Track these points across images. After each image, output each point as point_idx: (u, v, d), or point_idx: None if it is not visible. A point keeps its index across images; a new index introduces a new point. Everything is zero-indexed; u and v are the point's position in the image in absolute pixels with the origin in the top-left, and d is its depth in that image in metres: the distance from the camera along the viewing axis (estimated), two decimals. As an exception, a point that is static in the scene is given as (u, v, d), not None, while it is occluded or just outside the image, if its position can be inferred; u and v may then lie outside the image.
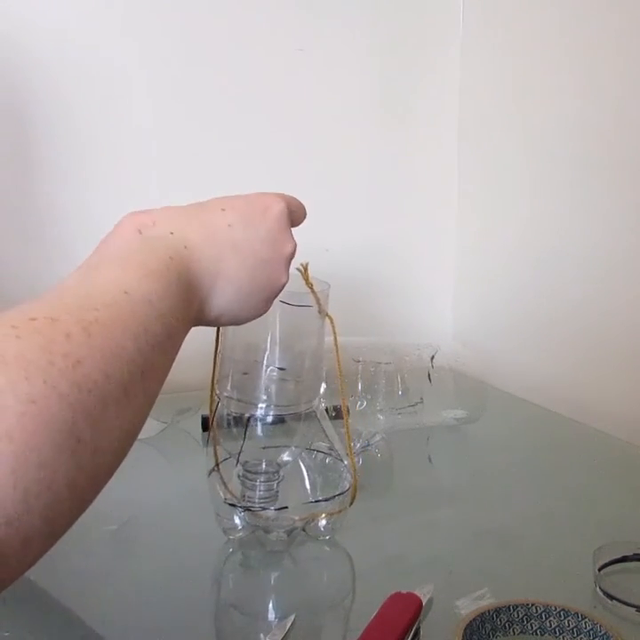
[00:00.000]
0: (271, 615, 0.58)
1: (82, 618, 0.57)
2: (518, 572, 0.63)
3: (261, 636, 0.52)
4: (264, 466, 0.63)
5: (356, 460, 0.78)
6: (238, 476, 0.64)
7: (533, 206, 1.14)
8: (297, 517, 0.64)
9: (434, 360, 0.95)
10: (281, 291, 0.52)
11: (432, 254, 1.32)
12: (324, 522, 0.66)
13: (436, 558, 0.65)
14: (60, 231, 1.07)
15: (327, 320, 0.63)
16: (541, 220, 1.13)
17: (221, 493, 0.64)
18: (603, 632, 0.50)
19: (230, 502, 0.64)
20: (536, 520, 0.72)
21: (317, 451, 0.69)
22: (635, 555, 0.62)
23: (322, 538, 0.66)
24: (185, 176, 1.12)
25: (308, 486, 0.67)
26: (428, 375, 0.95)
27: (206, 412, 0.90)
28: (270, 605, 0.60)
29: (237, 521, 0.65)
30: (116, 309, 0.38)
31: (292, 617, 0.54)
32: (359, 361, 0.94)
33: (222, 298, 0.48)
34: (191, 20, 1.10)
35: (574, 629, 0.52)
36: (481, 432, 0.97)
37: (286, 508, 0.63)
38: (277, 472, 0.63)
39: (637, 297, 0.96)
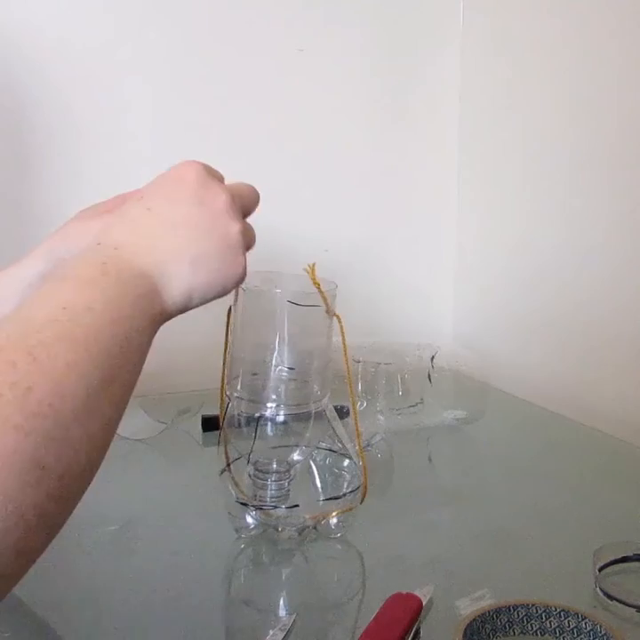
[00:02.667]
0: (271, 615, 0.58)
1: (82, 618, 0.57)
2: (518, 573, 0.63)
3: (261, 636, 0.52)
4: (275, 465, 0.64)
5: (351, 461, 0.78)
6: (249, 476, 0.64)
7: (533, 207, 1.14)
8: (308, 516, 0.64)
9: (434, 360, 0.95)
10: (240, 241, 0.50)
11: (432, 254, 1.32)
12: (334, 520, 0.66)
13: (436, 558, 0.65)
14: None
15: (334, 320, 0.63)
16: (541, 221, 1.13)
17: (233, 492, 0.65)
18: (603, 632, 0.50)
19: (242, 501, 0.64)
20: (536, 520, 0.72)
21: (327, 449, 0.69)
22: (635, 555, 0.62)
23: (333, 536, 0.67)
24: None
25: (318, 485, 0.67)
26: (429, 375, 0.95)
27: (206, 412, 0.90)
28: (270, 606, 0.60)
29: (249, 520, 0.65)
30: (57, 326, 0.37)
31: (293, 617, 0.54)
32: (359, 361, 0.94)
33: (180, 278, 0.46)
34: (191, 20, 1.10)
35: (574, 630, 0.52)
36: (481, 432, 0.97)
37: (297, 506, 0.63)
38: (288, 471, 0.64)
39: (637, 297, 0.96)
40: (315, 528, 0.66)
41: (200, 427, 0.91)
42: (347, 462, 0.69)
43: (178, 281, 0.46)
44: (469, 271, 1.31)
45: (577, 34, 1.03)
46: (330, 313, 0.61)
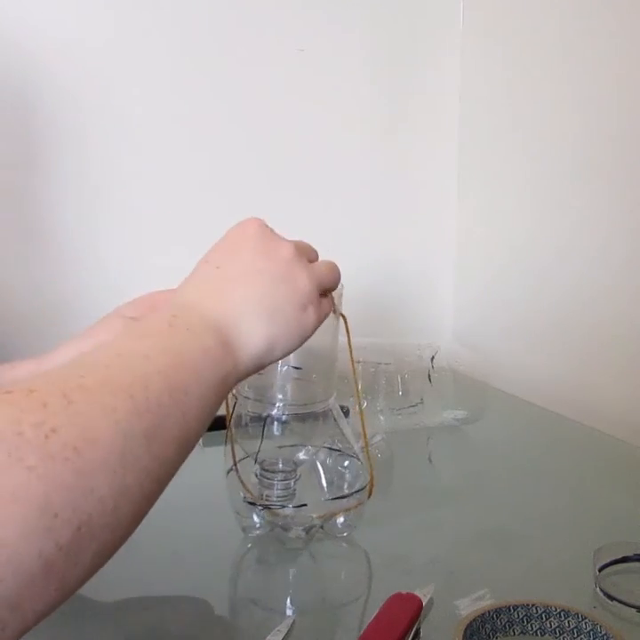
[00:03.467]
0: (271, 615, 0.58)
1: (82, 618, 0.57)
2: (518, 573, 0.63)
3: (261, 636, 0.52)
4: (281, 465, 0.64)
5: (356, 460, 0.78)
6: (256, 475, 0.64)
7: (533, 207, 1.14)
8: (315, 515, 0.65)
9: (434, 360, 0.95)
10: (311, 289, 0.49)
11: (432, 255, 1.32)
12: (342, 519, 0.66)
13: (436, 558, 0.65)
14: (62, 238, 1.07)
15: (341, 320, 0.63)
16: (541, 221, 1.13)
17: (241, 492, 0.65)
18: (603, 633, 0.50)
19: (249, 501, 0.64)
20: (536, 520, 0.72)
21: (332, 448, 0.70)
22: (635, 555, 0.62)
23: (340, 535, 0.67)
24: (185, 181, 1.12)
25: (324, 484, 0.68)
26: (429, 375, 0.95)
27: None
28: (270, 606, 0.60)
29: (256, 519, 0.66)
30: (104, 372, 0.35)
31: (293, 618, 0.54)
32: (359, 361, 0.94)
33: (255, 331, 0.45)
34: (191, 20, 1.10)
35: (574, 630, 0.52)
36: (481, 432, 0.97)
37: (305, 505, 0.64)
38: (294, 471, 0.64)
39: (638, 297, 0.96)
40: (321, 527, 0.66)
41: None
42: (347, 462, 0.69)
43: (254, 337, 0.45)
44: (469, 271, 1.31)
45: (577, 34, 1.03)
46: (336, 313, 0.61)
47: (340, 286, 0.62)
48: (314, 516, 0.65)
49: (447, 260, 1.33)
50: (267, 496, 0.64)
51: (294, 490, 0.64)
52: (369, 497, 0.67)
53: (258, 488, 0.64)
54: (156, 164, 1.11)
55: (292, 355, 0.61)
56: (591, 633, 0.51)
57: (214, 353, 0.42)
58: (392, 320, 1.26)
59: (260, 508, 0.64)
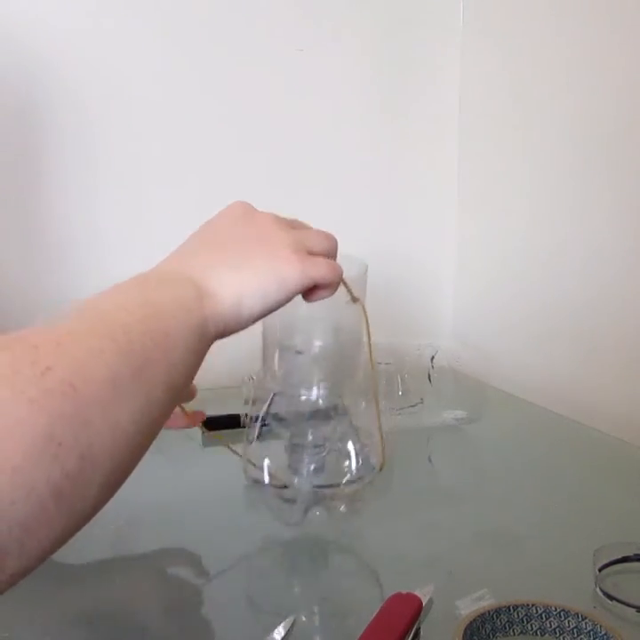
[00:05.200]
0: (271, 615, 0.58)
1: (83, 618, 0.57)
2: (518, 573, 0.63)
3: (261, 636, 0.52)
4: (311, 437, 0.64)
5: (356, 460, 0.78)
6: (286, 448, 0.65)
7: (533, 207, 1.14)
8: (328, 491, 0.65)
9: (434, 360, 0.95)
10: (290, 243, 0.49)
11: (432, 255, 1.32)
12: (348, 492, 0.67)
13: (436, 558, 0.65)
14: (61, 238, 1.08)
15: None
16: (541, 221, 1.13)
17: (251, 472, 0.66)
18: (603, 633, 0.50)
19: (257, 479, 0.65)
20: (536, 520, 0.72)
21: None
22: (635, 555, 0.62)
23: (349, 511, 0.67)
24: (188, 179, 1.12)
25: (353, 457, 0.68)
26: (428, 375, 0.95)
27: (208, 412, 0.90)
28: (270, 606, 0.60)
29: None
30: (87, 321, 0.38)
31: (292, 617, 0.54)
32: (359, 361, 0.94)
33: (226, 281, 0.46)
34: (191, 20, 1.10)
35: (574, 630, 0.52)
36: (481, 432, 0.97)
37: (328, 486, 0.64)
38: (324, 445, 0.65)
39: (638, 297, 0.96)
40: (331, 502, 0.66)
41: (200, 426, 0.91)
42: (363, 446, 0.69)
43: (225, 282, 0.46)
44: (469, 271, 1.31)
45: (577, 34, 1.03)
46: (353, 299, 0.59)
47: (362, 267, 0.60)
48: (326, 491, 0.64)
49: (447, 259, 1.33)
50: (295, 468, 0.64)
51: (323, 464, 0.65)
52: (380, 470, 0.67)
53: (288, 459, 0.65)
54: (157, 162, 1.11)
55: (312, 340, 0.60)
56: (591, 633, 0.51)
57: (190, 302, 0.44)
58: (392, 320, 1.26)
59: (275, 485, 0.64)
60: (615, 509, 0.74)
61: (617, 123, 0.97)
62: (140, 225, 1.11)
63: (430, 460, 0.89)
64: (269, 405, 0.64)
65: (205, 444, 0.89)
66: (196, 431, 0.91)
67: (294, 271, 0.48)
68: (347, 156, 1.22)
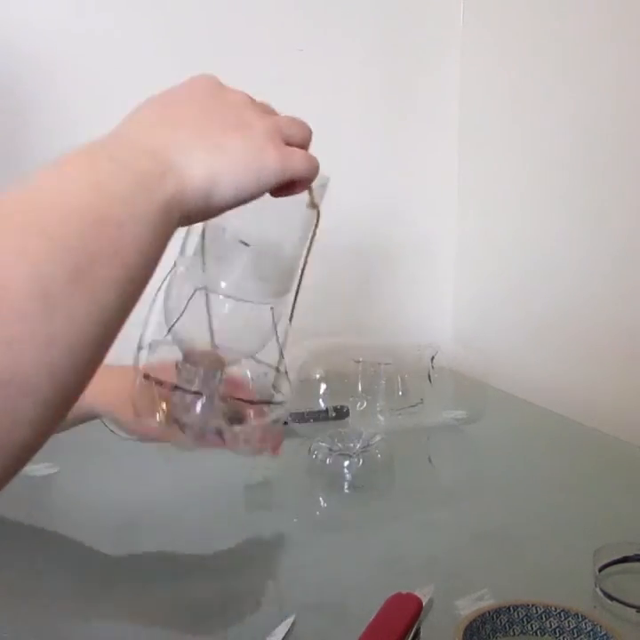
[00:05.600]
0: (271, 615, 0.58)
1: (82, 619, 0.57)
2: (518, 573, 0.63)
3: (261, 636, 0.52)
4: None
5: (356, 460, 0.78)
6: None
7: (533, 207, 1.14)
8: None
9: (434, 360, 0.95)
10: (267, 130, 0.45)
11: (432, 255, 1.32)
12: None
13: (436, 559, 0.65)
14: None
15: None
16: (541, 221, 1.13)
17: None
18: (603, 633, 0.50)
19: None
20: (536, 520, 0.72)
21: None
22: (635, 555, 0.62)
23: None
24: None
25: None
26: (429, 376, 0.95)
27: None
28: (270, 606, 0.60)
29: None
30: (20, 211, 0.32)
31: (292, 617, 0.54)
32: (359, 361, 0.94)
33: (196, 160, 0.40)
34: (191, 19, 1.10)
35: (574, 630, 0.52)
36: (481, 432, 0.97)
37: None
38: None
39: (637, 297, 0.96)
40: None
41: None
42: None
43: (195, 162, 0.40)
44: (469, 271, 1.31)
45: (577, 34, 1.03)
46: (313, 205, 0.54)
47: (324, 178, 0.55)
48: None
49: (447, 259, 1.33)
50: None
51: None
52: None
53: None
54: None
55: (243, 228, 0.53)
56: (591, 633, 0.51)
57: (151, 178, 0.37)
58: (392, 320, 1.26)
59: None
60: (615, 509, 0.74)
61: (617, 124, 0.97)
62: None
63: (430, 460, 0.89)
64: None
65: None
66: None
67: (274, 163, 0.43)
68: (346, 156, 1.22)
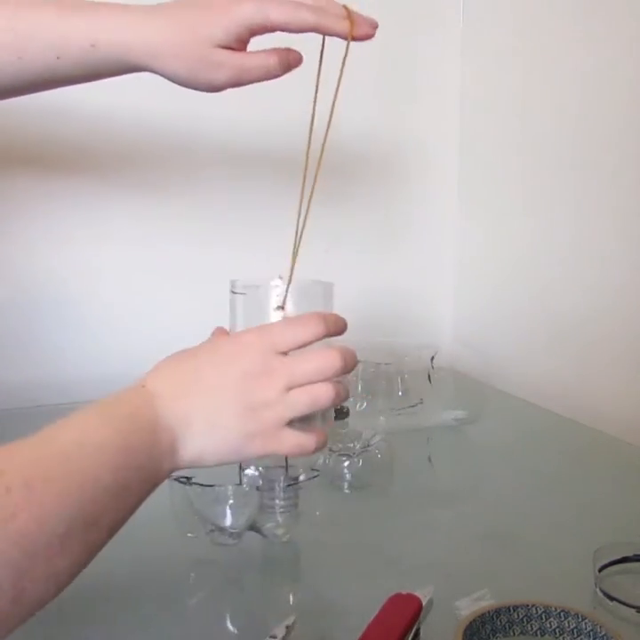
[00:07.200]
0: (271, 616, 0.58)
1: (80, 619, 0.57)
2: (518, 573, 0.63)
3: (261, 636, 0.52)
4: None
5: (356, 460, 0.78)
6: None
7: (533, 208, 1.14)
8: None
9: (434, 361, 0.95)
10: (270, 426, 0.50)
11: (432, 255, 1.32)
12: None
13: (435, 559, 0.65)
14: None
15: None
16: (541, 222, 1.13)
17: None
18: (603, 633, 0.50)
19: None
20: (536, 520, 0.72)
21: None
22: (635, 556, 0.62)
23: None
24: (180, 176, 1.12)
25: None
26: (429, 376, 0.95)
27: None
28: (270, 606, 0.60)
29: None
30: (65, 462, 0.39)
31: (292, 618, 0.54)
32: (359, 361, 0.94)
33: (193, 440, 0.48)
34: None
35: (574, 630, 0.52)
36: (481, 432, 0.97)
37: None
38: None
39: (637, 298, 0.96)
40: None
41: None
42: None
43: (193, 440, 0.48)
44: (470, 271, 1.31)
45: (576, 33, 1.03)
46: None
47: (329, 288, 0.60)
48: None
49: (447, 260, 1.33)
50: None
51: None
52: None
53: None
54: (152, 161, 1.11)
55: None
56: (591, 633, 0.51)
57: (160, 451, 0.46)
58: (392, 320, 1.26)
59: None
60: (615, 509, 0.74)
61: (620, 126, 0.97)
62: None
63: (430, 461, 0.89)
64: None
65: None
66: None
67: (257, 451, 0.50)
68: (346, 156, 1.22)
